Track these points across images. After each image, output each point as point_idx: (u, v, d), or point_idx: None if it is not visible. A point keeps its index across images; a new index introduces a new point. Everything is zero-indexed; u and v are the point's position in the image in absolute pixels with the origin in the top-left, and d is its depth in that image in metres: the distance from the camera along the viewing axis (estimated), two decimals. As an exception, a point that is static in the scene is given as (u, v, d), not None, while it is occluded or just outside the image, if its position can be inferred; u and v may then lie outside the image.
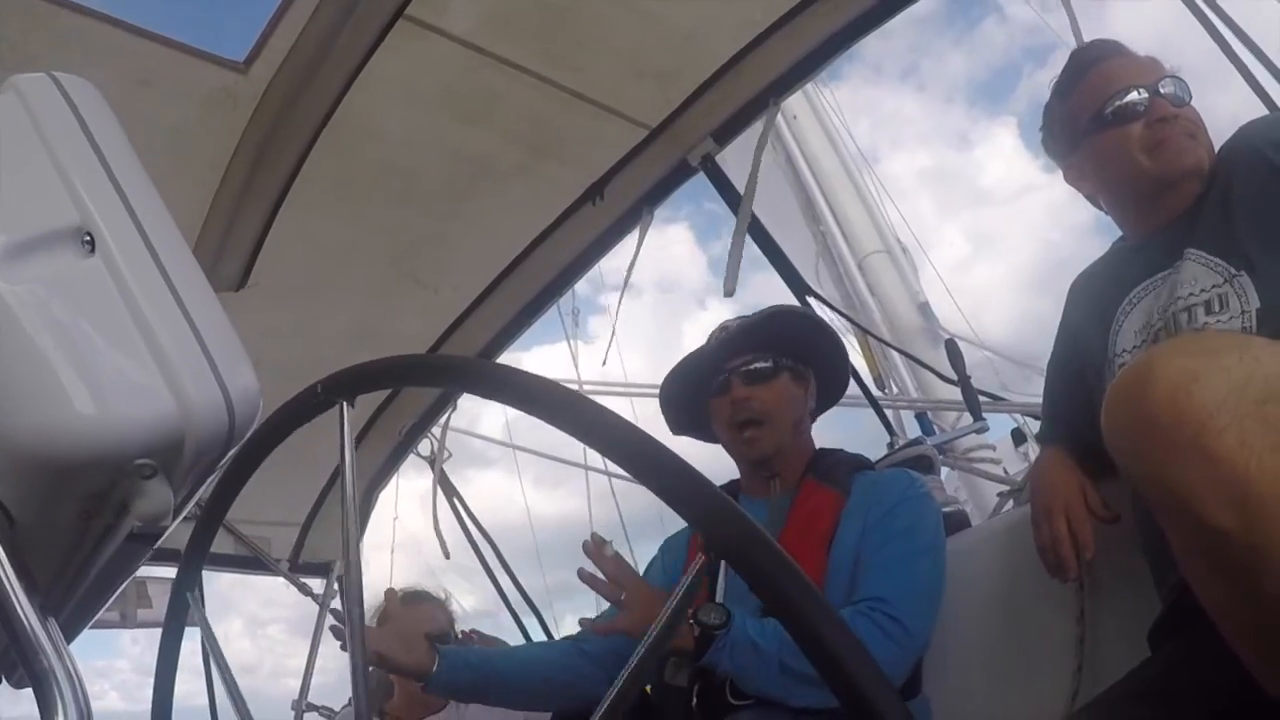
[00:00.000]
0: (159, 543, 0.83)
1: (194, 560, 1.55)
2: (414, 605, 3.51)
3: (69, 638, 0.83)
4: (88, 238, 0.71)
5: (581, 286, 4.58)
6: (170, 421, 0.69)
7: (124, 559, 0.84)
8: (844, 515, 2.22)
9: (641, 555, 2.62)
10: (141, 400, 0.69)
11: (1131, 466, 1.19)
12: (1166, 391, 1.10)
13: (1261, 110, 2.52)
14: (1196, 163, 1.85)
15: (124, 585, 1.05)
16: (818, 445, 2.47)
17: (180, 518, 0.78)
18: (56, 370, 0.68)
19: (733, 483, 2.51)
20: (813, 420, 2.51)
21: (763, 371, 2.34)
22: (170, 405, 0.70)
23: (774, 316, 2.43)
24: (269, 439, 1.18)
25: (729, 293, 3.26)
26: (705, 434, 2.55)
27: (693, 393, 2.47)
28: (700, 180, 3.45)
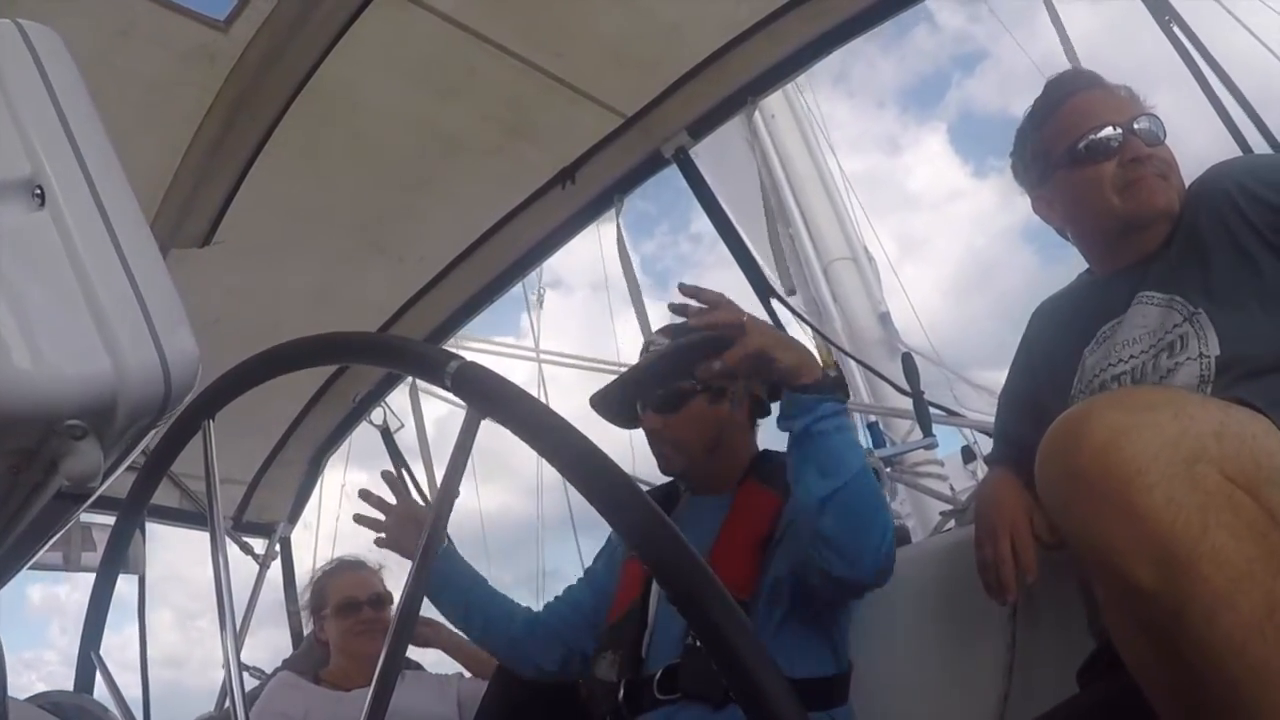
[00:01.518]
0: (87, 504, 0.82)
1: (133, 511, 1.55)
2: (350, 572, 3.50)
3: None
4: (38, 191, 0.70)
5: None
6: (104, 384, 0.68)
7: (50, 516, 0.83)
8: (783, 515, 2.23)
9: (588, 549, 2.63)
10: (77, 360, 0.68)
11: (1060, 518, 1.21)
12: (1098, 445, 1.11)
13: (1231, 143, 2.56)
14: (1168, 204, 1.84)
15: (54, 538, 1.04)
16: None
17: (111, 479, 0.77)
18: (-8, 322, 0.66)
19: (672, 482, 2.54)
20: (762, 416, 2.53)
21: (670, 401, 2.38)
22: (106, 367, 0.69)
23: (679, 350, 2.40)
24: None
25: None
26: None
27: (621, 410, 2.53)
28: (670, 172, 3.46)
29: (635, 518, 0.86)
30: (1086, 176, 1.90)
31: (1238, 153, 2.55)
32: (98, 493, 0.77)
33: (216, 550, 1.19)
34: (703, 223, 3.69)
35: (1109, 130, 1.87)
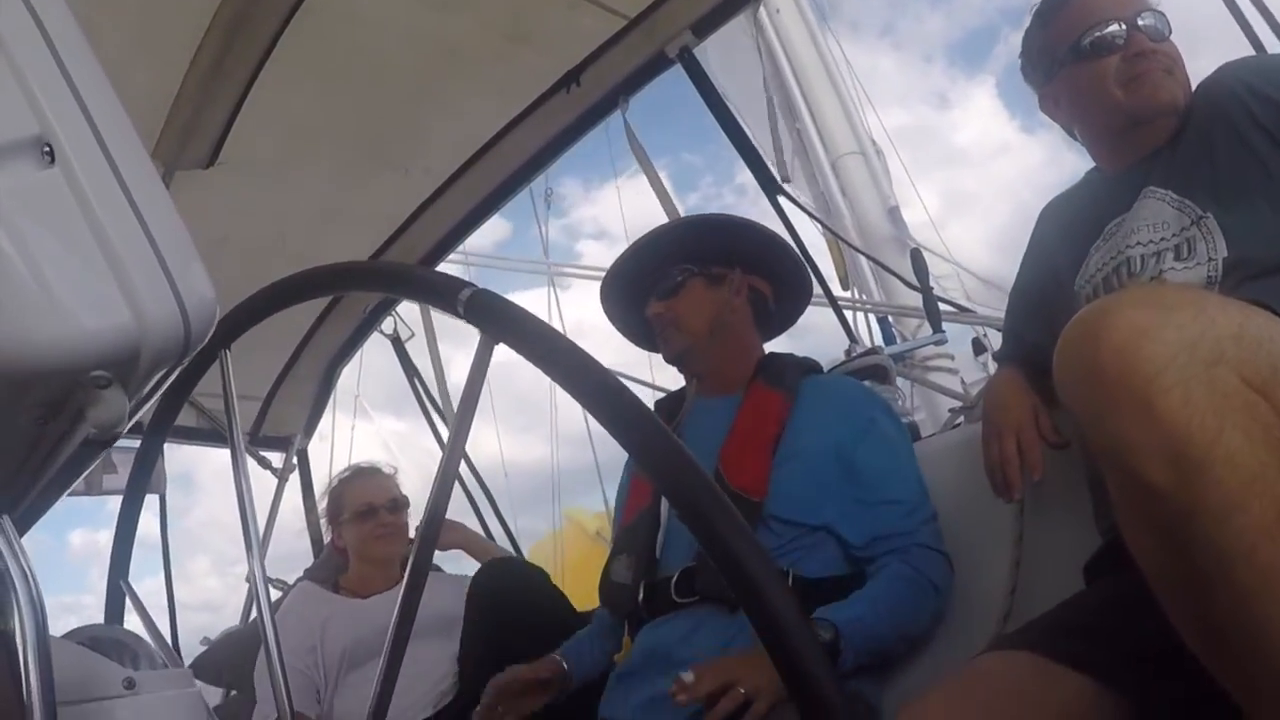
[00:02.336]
0: (113, 444, 0.84)
1: (155, 439, 1.58)
2: (367, 478, 3.52)
3: (21, 533, 0.85)
4: (47, 148, 0.71)
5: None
6: (127, 334, 0.70)
7: (78, 462, 0.85)
8: (791, 417, 2.28)
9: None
10: (98, 313, 0.69)
11: (1077, 413, 1.21)
12: (1118, 344, 1.11)
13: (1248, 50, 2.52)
14: (1171, 99, 1.84)
15: (71, 486, 1.07)
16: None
17: (133, 420, 0.79)
18: (15, 283, 0.68)
19: (684, 388, 2.56)
20: (775, 323, 2.56)
21: (669, 287, 2.42)
22: (127, 318, 0.70)
23: (692, 227, 2.52)
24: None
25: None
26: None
27: (626, 310, 2.56)
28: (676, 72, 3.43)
29: (639, 433, 0.87)
30: (1091, 72, 1.89)
31: (1250, 52, 2.53)
32: (123, 433, 0.79)
33: (238, 469, 1.21)
34: (747, 175, 3.66)
35: (1113, 26, 1.86)
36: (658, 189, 3.75)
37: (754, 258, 2.48)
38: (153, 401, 0.85)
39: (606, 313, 2.60)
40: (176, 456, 4.67)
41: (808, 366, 2.48)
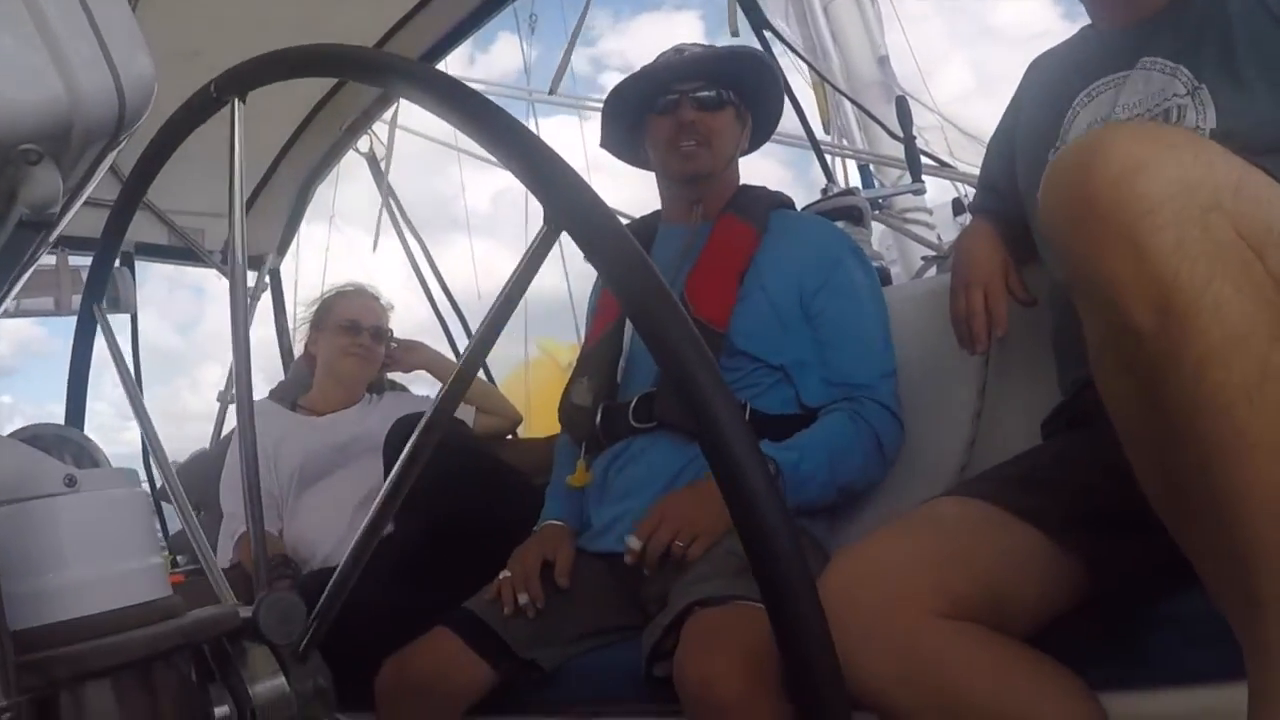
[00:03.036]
0: (54, 233, 0.82)
1: (114, 235, 1.54)
2: (362, 298, 3.52)
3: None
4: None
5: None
6: (57, 106, 0.67)
7: (16, 247, 0.82)
8: (759, 250, 2.29)
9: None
10: (28, 85, 0.67)
11: (1061, 246, 1.17)
12: (1113, 174, 1.07)
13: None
14: None
15: (26, 275, 1.04)
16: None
17: (73, 210, 0.77)
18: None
19: (654, 213, 2.53)
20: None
21: (712, 100, 2.35)
22: (59, 89, 0.67)
23: (733, 56, 2.43)
24: (168, 141, 1.17)
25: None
26: (633, 155, 2.57)
27: (634, 109, 2.46)
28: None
29: (607, 248, 0.85)
30: None
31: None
32: (63, 223, 0.76)
33: (233, 239, 1.13)
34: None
35: None
36: None
37: (755, 92, 2.45)
38: (88, 193, 0.82)
39: (610, 113, 2.52)
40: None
41: (779, 201, 2.47)
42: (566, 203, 0.81)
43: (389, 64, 1.02)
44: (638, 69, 2.46)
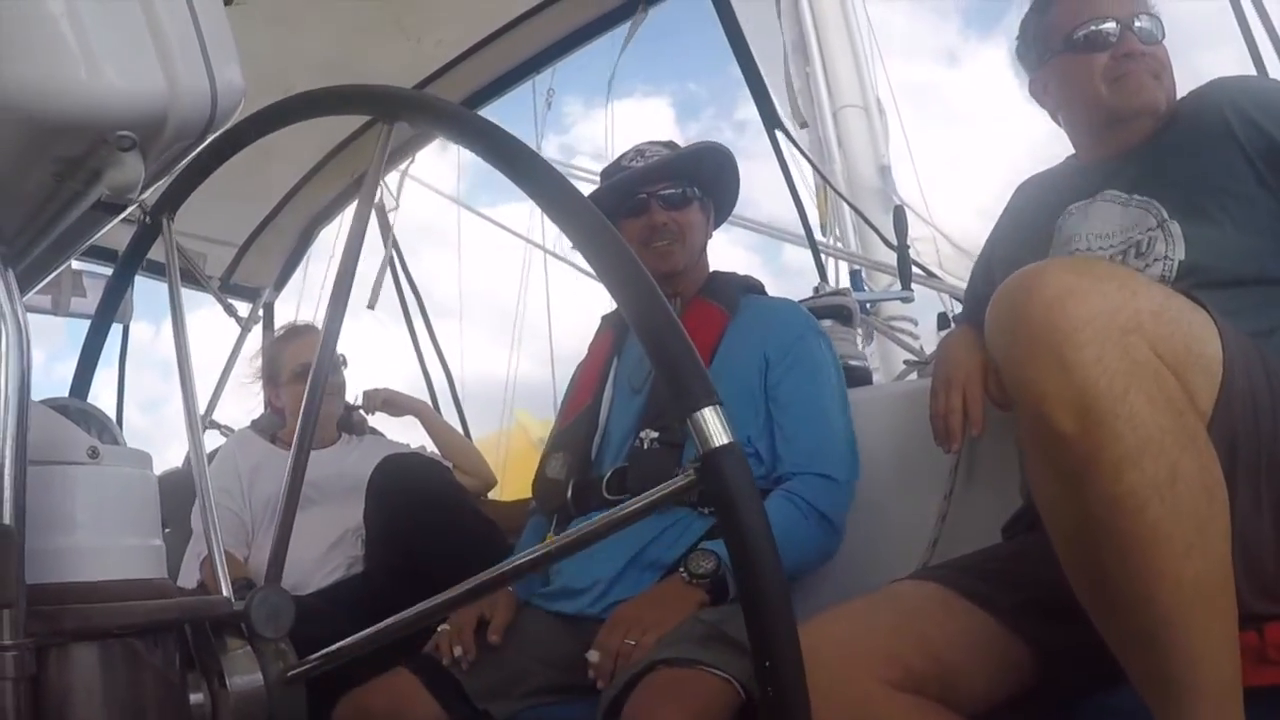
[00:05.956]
0: (122, 215, 0.88)
1: (132, 260, 1.60)
2: (305, 337, 3.50)
3: (23, 291, 0.89)
4: (109, -80, 0.74)
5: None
6: (157, 99, 0.74)
7: (84, 226, 0.89)
8: (728, 332, 2.37)
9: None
10: (134, 74, 0.73)
11: (1002, 360, 1.31)
12: (1047, 299, 1.21)
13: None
14: (1153, 102, 1.90)
15: (72, 255, 1.10)
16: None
17: (143, 195, 0.83)
18: (58, 31, 0.71)
19: None
20: None
21: (678, 197, 2.44)
22: (160, 84, 0.74)
23: (692, 154, 2.52)
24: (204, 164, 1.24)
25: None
26: None
27: (607, 214, 2.52)
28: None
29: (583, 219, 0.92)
30: (1080, 64, 1.95)
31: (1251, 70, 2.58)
32: (133, 205, 0.83)
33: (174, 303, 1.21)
34: (748, 110, 3.70)
35: (1107, 24, 1.92)
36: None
37: (714, 181, 2.55)
38: (157, 185, 0.89)
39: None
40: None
41: (749, 285, 2.56)
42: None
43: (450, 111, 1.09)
44: (605, 165, 2.59)
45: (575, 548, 0.99)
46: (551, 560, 1.94)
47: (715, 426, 0.85)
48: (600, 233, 0.91)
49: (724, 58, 3.64)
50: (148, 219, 1.19)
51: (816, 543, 2.19)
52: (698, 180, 2.48)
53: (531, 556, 1.02)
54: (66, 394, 1.56)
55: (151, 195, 0.95)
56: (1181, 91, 1.94)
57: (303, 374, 3.28)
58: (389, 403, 3.66)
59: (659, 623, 1.93)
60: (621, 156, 2.56)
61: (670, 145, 2.55)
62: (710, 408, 0.85)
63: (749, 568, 0.82)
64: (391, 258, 4.68)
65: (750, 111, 3.75)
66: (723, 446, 0.85)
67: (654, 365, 0.88)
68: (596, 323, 2.71)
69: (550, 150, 7.30)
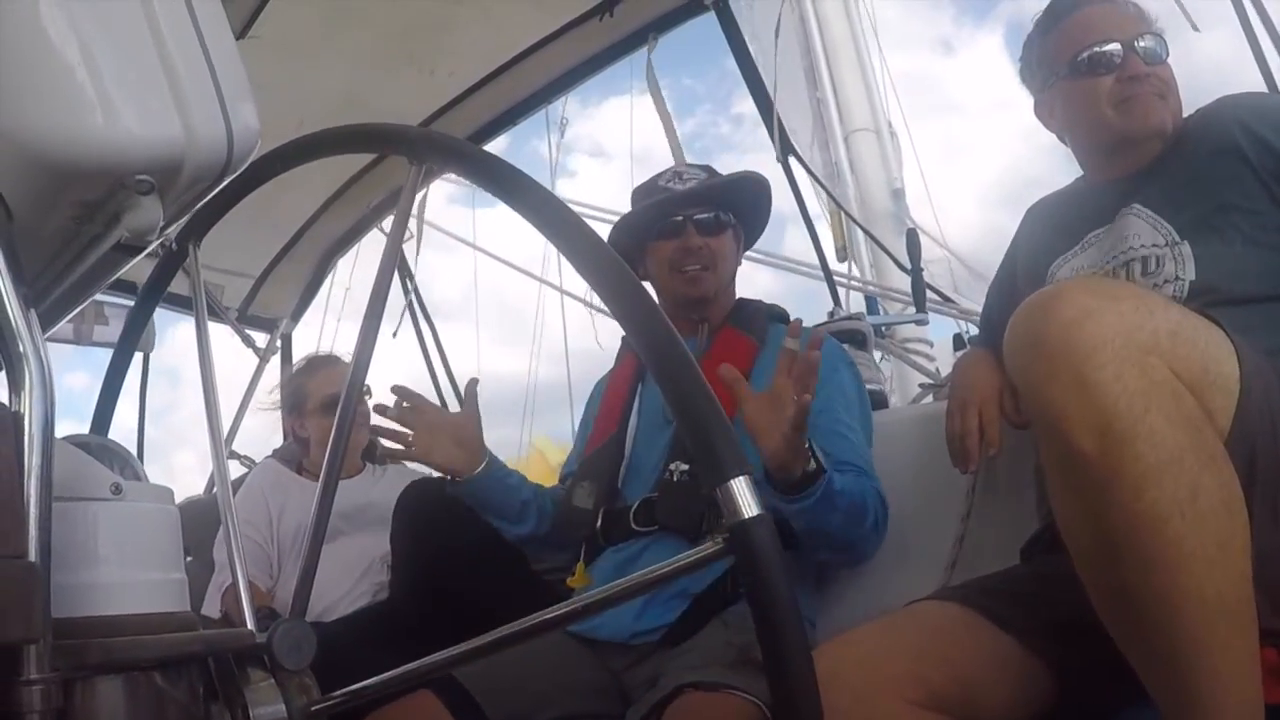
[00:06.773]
0: (140, 256, 0.90)
1: (154, 292, 1.62)
2: (330, 368, 3.51)
3: (44, 329, 0.90)
4: (124, -38, 0.76)
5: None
6: (174, 144, 0.75)
7: (105, 266, 0.90)
8: (757, 361, 2.35)
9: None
10: (151, 119, 0.75)
11: (1021, 382, 1.32)
12: (1065, 321, 1.22)
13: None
14: (1160, 124, 1.89)
15: (93, 295, 1.12)
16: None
17: (161, 237, 0.85)
18: (77, 78, 0.73)
19: None
20: None
21: (713, 223, 2.43)
22: (177, 129, 0.76)
23: (731, 183, 2.51)
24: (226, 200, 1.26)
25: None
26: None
27: (639, 230, 2.53)
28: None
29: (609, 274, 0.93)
30: (1085, 88, 1.94)
31: (1263, 88, 2.58)
32: (152, 245, 0.84)
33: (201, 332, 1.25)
34: (744, 104, 3.73)
35: (1111, 46, 1.91)
36: (668, 129, 3.80)
37: (751, 210, 2.55)
38: (175, 226, 0.90)
39: (622, 228, 2.58)
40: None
41: (776, 314, 2.54)
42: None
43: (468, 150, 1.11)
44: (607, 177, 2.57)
45: (609, 604, 1.00)
46: (590, 613, 1.93)
47: (746, 498, 0.85)
48: (633, 295, 0.92)
49: (720, 52, 3.67)
50: (173, 246, 1.21)
51: (870, 535, 2.16)
52: (734, 207, 2.48)
53: (568, 609, 1.02)
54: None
55: (174, 229, 0.97)
56: (1182, 91, 1.94)
57: (329, 405, 3.28)
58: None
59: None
60: (658, 176, 2.55)
61: (708, 169, 2.55)
62: (741, 478, 0.85)
63: (775, 642, 0.83)
64: (404, 284, 4.72)
65: (747, 105, 3.77)
66: (754, 518, 0.84)
67: (685, 433, 0.89)
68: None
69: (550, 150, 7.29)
